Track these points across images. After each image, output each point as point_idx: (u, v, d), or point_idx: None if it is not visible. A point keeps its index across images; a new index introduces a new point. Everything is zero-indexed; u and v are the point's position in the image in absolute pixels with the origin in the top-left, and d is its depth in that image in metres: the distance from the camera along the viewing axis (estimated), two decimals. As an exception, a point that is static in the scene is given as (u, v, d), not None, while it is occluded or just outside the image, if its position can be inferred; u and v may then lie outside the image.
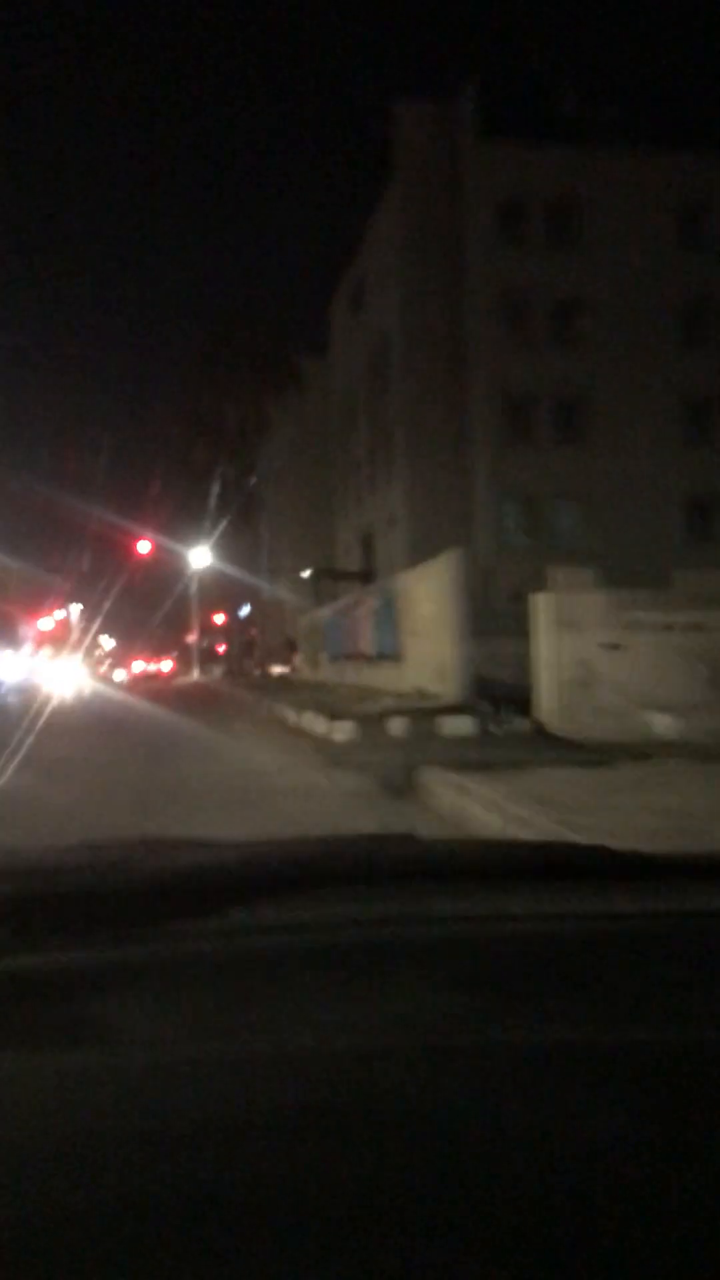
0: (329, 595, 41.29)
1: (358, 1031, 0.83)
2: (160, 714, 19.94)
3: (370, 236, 39.16)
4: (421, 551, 33.94)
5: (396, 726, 11.50)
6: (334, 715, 12.23)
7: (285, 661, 39.86)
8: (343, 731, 11.45)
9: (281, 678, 34.09)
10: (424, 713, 12.10)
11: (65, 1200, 0.61)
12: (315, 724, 12.56)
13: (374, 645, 19.88)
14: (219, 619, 55.82)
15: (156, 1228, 0.58)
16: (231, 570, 48.34)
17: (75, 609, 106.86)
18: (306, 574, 39.27)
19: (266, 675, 36.48)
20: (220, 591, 57.79)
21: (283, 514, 54.32)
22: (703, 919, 1.08)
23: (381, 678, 18.72)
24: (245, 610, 51.39)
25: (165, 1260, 0.56)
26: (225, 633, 51.40)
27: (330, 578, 41.71)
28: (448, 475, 34.46)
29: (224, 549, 49.83)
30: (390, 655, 18.40)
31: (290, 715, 14.67)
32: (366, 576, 39.29)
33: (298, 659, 34.85)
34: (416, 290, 34.75)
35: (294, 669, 34.31)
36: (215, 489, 46.05)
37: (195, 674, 61.73)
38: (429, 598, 15.65)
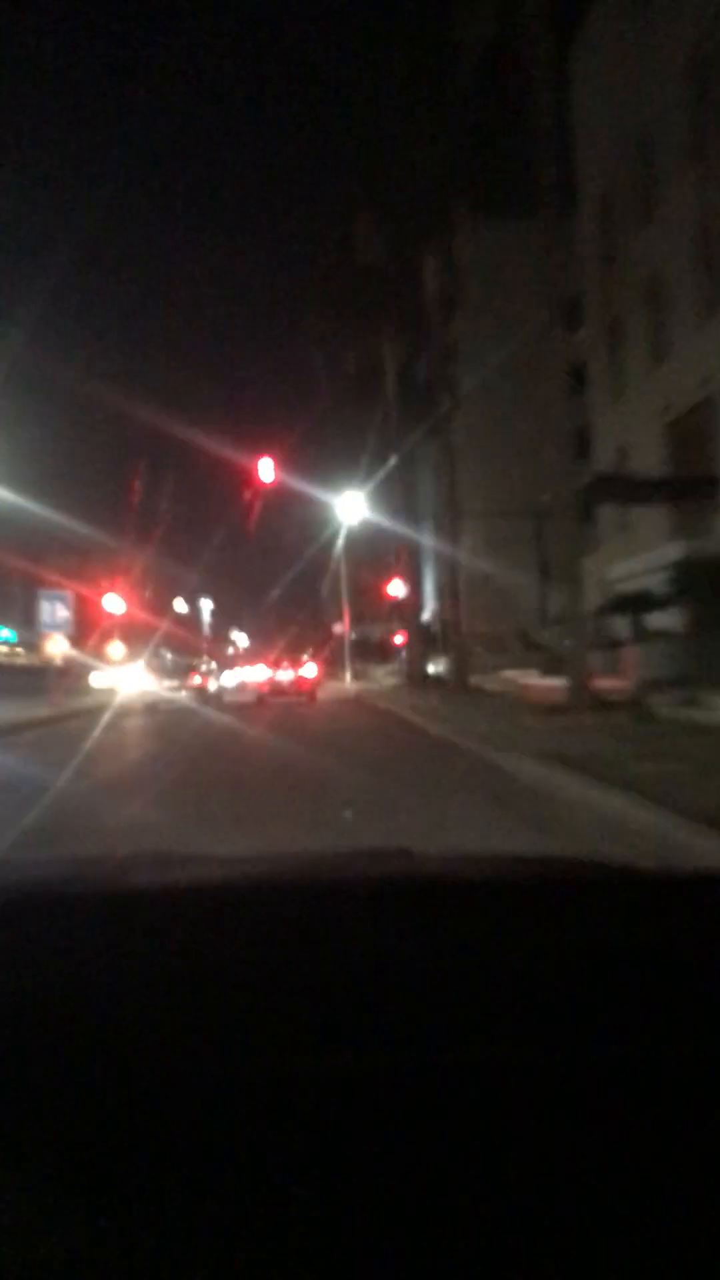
0: (590, 538, 21.99)
1: (352, 1049, 0.84)
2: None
3: None
4: None
5: None
6: None
7: (571, 674, 18.62)
8: None
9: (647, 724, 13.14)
10: None
11: (71, 1206, 0.66)
12: None
13: None
14: (395, 592, 34.35)
15: (161, 1236, 0.63)
16: (392, 522, 29.19)
17: (205, 604, 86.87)
18: (578, 489, 19.36)
19: (580, 704, 12.68)
20: (380, 558, 38.72)
21: (473, 443, 35.15)
22: (697, 934, 1.07)
23: None
24: (397, 588, 31.01)
25: (168, 1266, 0.61)
26: (405, 611, 30.93)
27: (618, 496, 21.82)
28: None
29: (382, 497, 31.12)
30: None
31: None
32: (699, 483, 19.51)
33: (633, 663, 14.72)
34: None
35: (634, 692, 13.25)
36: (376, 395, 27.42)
37: (349, 681, 42.33)
38: None
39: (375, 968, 0.97)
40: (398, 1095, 0.77)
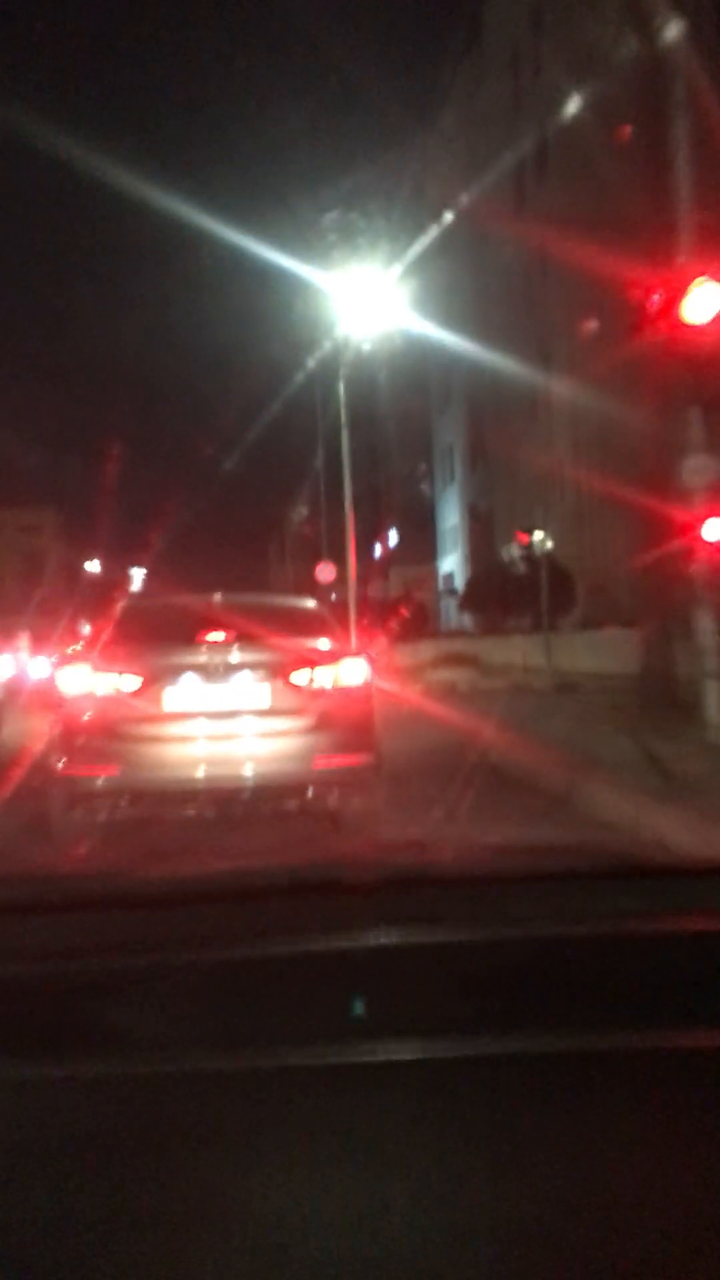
0: None
1: (365, 1042, 0.83)
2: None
3: None
4: None
5: None
6: None
7: None
8: None
9: None
10: None
11: (75, 1204, 0.66)
12: None
13: None
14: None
15: (162, 1233, 0.64)
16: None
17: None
18: None
19: None
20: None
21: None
22: (710, 923, 1.05)
23: None
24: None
25: (168, 1263, 0.61)
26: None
27: None
28: None
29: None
30: None
31: None
32: None
33: None
34: None
35: None
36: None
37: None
38: None
39: (386, 961, 0.96)
40: (411, 1089, 0.77)
